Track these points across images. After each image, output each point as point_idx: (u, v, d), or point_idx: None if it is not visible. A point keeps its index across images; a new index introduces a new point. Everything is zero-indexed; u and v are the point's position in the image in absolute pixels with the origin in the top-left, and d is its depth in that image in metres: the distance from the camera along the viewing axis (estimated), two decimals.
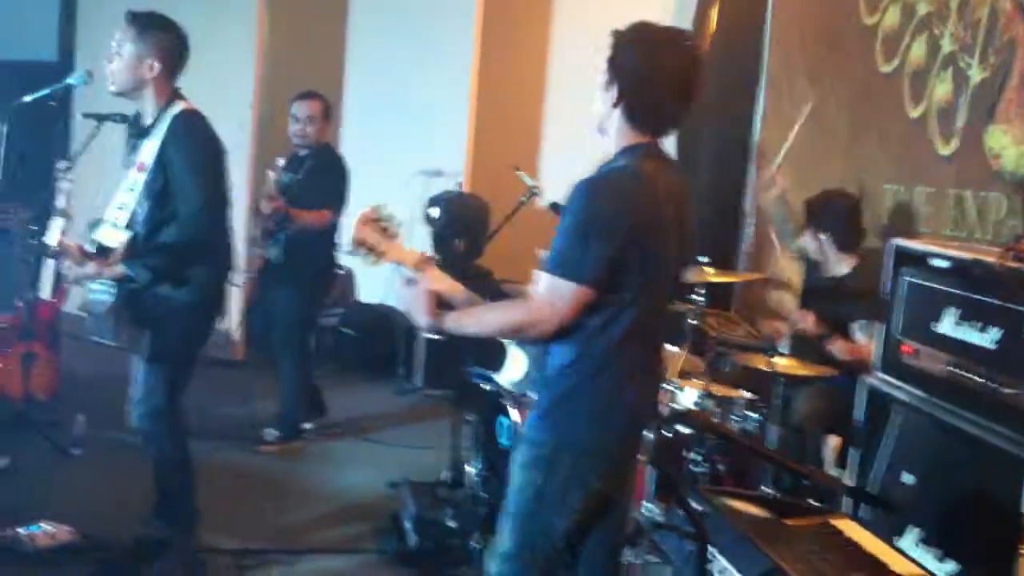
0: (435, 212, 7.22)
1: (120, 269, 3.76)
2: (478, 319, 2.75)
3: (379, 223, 2.85)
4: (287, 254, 5.70)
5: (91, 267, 3.79)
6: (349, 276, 8.21)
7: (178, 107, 3.87)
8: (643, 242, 2.61)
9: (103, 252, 3.82)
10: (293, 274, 5.71)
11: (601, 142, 2.80)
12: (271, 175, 5.78)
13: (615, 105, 2.72)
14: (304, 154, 5.87)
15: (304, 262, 5.71)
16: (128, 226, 3.82)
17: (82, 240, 3.90)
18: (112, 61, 3.84)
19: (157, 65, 3.83)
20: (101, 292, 3.81)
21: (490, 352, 6.42)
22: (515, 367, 2.88)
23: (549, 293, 2.59)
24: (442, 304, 2.78)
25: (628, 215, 2.59)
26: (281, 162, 5.85)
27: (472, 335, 2.77)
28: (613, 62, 2.73)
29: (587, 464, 2.71)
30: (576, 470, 2.71)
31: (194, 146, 3.83)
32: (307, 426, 5.92)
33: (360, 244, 2.85)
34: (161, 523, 4.05)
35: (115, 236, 3.82)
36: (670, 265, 2.75)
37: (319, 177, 5.77)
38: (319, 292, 6.05)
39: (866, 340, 4.46)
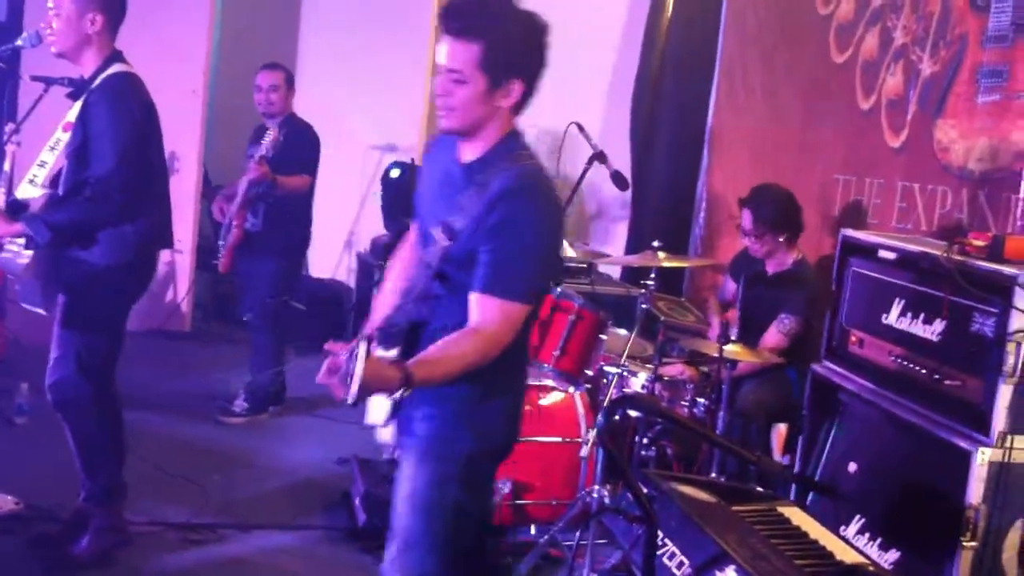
0: (396, 172, 7.21)
1: (19, 226, 3.68)
2: (445, 367, 2.46)
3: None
4: (266, 223, 5.72)
5: None
6: None
7: (115, 68, 3.79)
8: None
9: (19, 208, 3.75)
10: (273, 244, 5.74)
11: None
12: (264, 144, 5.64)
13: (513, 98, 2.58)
14: (272, 124, 5.85)
15: (283, 231, 5.77)
16: (52, 186, 3.77)
17: None
18: (52, 21, 3.76)
19: (99, 18, 3.75)
20: (14, 252, 3.75)
21: None
22: (379, 409, 2.60)
23: (506, 320, 2.49)
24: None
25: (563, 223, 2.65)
26: (271, 132, 5.65)
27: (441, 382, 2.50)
28: (507, 55, 2.53)
29: (496, 464, 2.76)
30: (491, 473, 2.76)
31: (116, 106, 3.71)
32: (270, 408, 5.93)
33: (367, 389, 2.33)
34: (82, 496, 3.98)
35: (31, 193, 3.76)
36: None
37: (292, 146, 5.77)
38: (296, 263, 6.13)
39: (777, 338, 4.54)
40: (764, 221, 4.63)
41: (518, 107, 2.61)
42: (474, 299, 2.51)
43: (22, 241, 3.72)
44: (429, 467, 2.66)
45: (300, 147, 5.83)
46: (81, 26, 3.74)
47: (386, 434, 2.76)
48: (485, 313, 2.49)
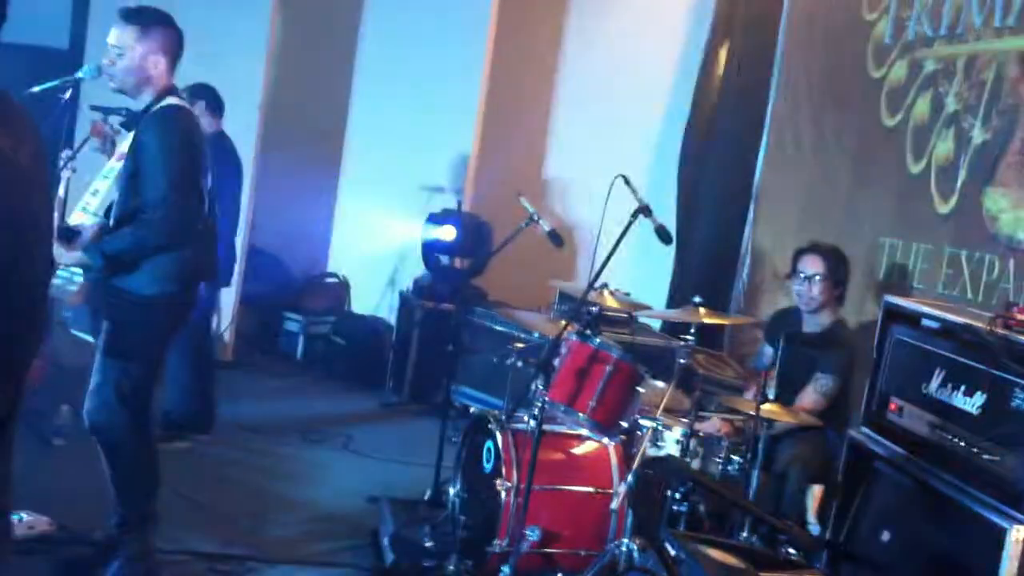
0: (450, 233, 7.21)
1: (78, 254, 3.73)
2: None
3: None
4: None
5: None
6: (344, 286, 8.25)
7: (168, 101, 3.86)
8: None
9: (71, 235, 3.82)
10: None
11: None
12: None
13: None
14: None
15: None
16: (105, 215, 3.83)
17: None
18: (115, 61, 3.84)
19: (163, 61, 3.85)
20: (64, 278, 3.80)
21: (481, 373, 6.46)
22: None
23: None
24: None
25: None
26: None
27: None
28: None
29: None
30: None
31: (167, 136, 3.77)
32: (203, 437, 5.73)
33: None
34: (114, 522, 3.98)
35: (83, 220, 3.83)
36: None
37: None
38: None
39: (814, 398, 4.49)
40: (835, 269, 4.62)
41: None
42: None
43: (74, 269, 3.78)
44: None
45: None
46: (144, 68, 3.83)
47: None
48: None
